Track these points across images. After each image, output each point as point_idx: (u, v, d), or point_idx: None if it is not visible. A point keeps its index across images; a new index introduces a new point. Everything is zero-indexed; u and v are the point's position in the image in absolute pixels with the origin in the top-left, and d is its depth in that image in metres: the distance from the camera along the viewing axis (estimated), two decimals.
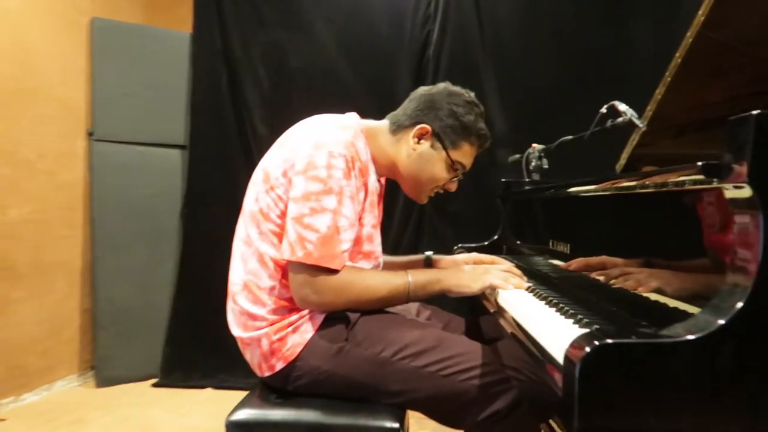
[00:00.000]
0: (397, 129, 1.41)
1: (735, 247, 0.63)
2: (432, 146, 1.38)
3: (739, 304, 0.60)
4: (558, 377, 0.70)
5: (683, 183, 0.73)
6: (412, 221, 2.89)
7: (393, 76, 2.89)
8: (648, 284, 1.00)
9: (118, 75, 2.96)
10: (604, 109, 1.74)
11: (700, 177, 0.68)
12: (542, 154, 2.18)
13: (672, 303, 0.93)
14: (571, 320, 0.93)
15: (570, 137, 1.98)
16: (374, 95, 2.85)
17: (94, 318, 2.95)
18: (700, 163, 0.67)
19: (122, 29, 3.00)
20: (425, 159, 1.39)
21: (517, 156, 2.27)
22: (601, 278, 1.19)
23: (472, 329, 1.60)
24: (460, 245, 2.13)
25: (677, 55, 1.57)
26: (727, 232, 0.73)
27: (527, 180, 2.13)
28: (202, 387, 2.89)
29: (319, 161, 1.22)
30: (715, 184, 0.66)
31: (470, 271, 1.34)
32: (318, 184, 1.21)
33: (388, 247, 2.90)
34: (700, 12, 1.49)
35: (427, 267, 1.65)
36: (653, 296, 0.99)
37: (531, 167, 2.18)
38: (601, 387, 0.61)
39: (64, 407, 2.64)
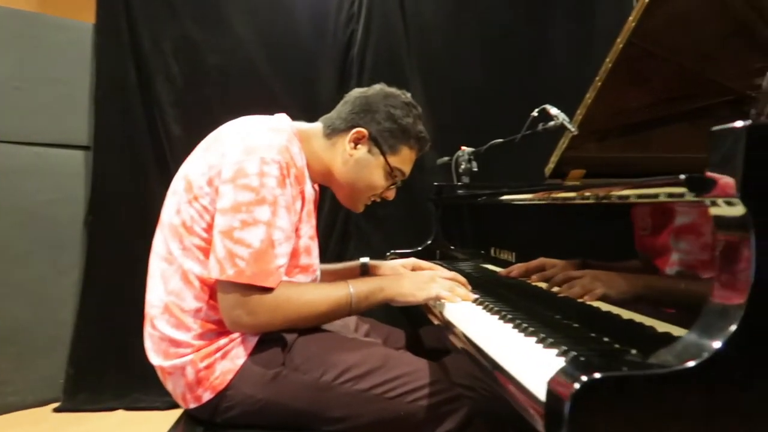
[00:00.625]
0: (332, 133, 1.32)
1: (723, 267, 0.60)
2: (369, 151, 1.31)
3: (733, 327, 0.57)
4: (533, 410, 0.64)
5: (662, 196, 0.70)
6: (337, 227, 2.79)
7: (316, 77, 2.78)
8: (593, 291, 0.98)
9: (10, 67, 2.65)
10: (535, 113, 1.73)
11: (682, 190, 0.65)
12: (472, 157, 2.15)
13: (625, 314, 0.91)
14: (533, 339, 0.88)
15: (501, 140, 1.97)
16: (297, 95, 2.73)
17: None
18: (683, 176, 0.63)
19: (14, 16, 2.69)
20: (362, 165, 1.31)
21: (446, 158, 2.24)
22: (544, 285, 1.17)
23: (412, 341, 1.54)
24: (392, 251, 2.07)
25: (607, 60, 1.60)
26: (698, 246, 0.70)
27: (459, 184, 2.10)
28: (113, 409, 2.65)
29: (250, 168, 1.11)
30: (696, 198, 0.62)
31: (414, 278, 1.28)
32: (249, 193, 1.10)
33: None
34: (630, 18, 1.51)
35: (364, 274, 1.58)
36: (603, 307, 0.97)
37: (460, 170, 2.15)
38: (593, 425, 0.55)
39: None
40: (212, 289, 1.14)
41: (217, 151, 1.18)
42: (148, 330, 1.19)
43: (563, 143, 1.83)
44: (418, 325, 1.61)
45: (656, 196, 0.72)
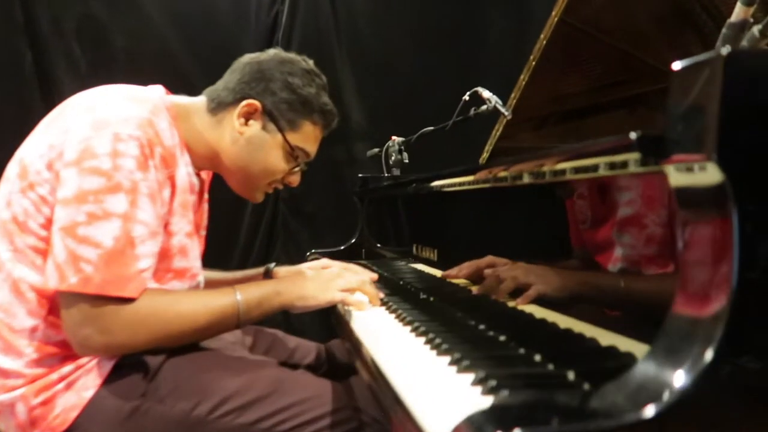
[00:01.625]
0: (218, 107, 1.10)
1: (690, 262, 0.41)
2: (264, 128, 1.09)
3: (708, 354, 0.38)
4: None
5: (603, 167, 0.51)
6: (263, 226, 2.58)
7: None
8: (527, 293, 0.83)
9: None
10: (466, 97, 1.62)
11: (634, 156, 0.46)
12: (402, 147, 1.99)
13: (562, 323, 0.75)
14: (447, 359, 0.68)
15: (431, 128, 1.82)
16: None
17: None
18: (633, 135, 0.44)
19: None
20: (256, 145, 1.09)
21: (376, 150, 2.08)
22: (474, 289, 1.00)
23: (322, 356, 1.33)
24: (314, 251, 1.87)
25: (542, 36, 1.50)
26: (653, 233, 0.53)
27: (387, 175, 1.93)
28: None
29: (99, 147, 0.88)
30: (650, 168, 0.43)
31: (316, 278, 1.08)
32: (99, 178, 0.87)
33: (235, 260, 2.58)
34: None
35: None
36: (537, 312, 0.81)
37: (391, 161, 2.00)
38: None
39: None
40: (52, 302, 0.90)
41: (60, 126, 0.94)
42: None
43: (497, 130, 1.71)
44: (333, 336, 1.40)
45: (597, 168, 0.53)
